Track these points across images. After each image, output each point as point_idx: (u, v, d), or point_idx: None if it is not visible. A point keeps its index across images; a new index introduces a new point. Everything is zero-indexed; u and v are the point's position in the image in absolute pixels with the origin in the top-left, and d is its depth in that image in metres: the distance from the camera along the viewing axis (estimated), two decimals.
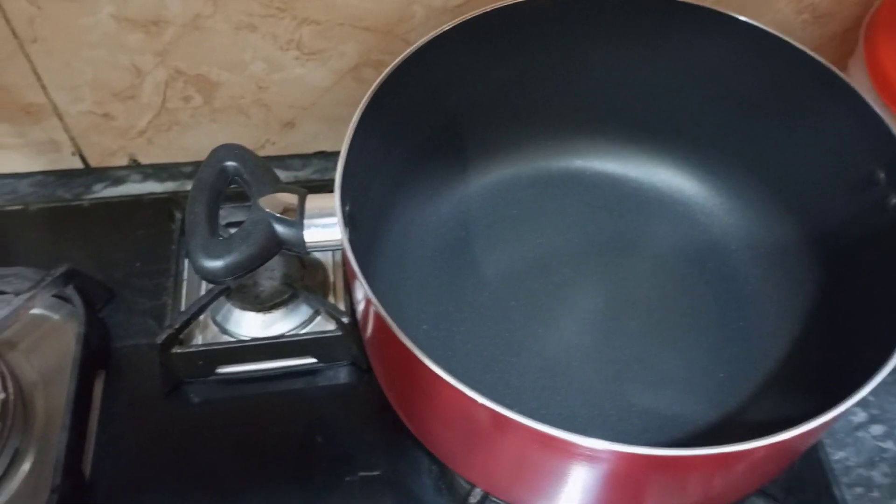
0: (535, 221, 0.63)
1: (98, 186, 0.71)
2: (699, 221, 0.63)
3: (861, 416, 0.59)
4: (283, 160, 0.73)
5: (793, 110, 0.56)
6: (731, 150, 0.61)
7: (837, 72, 0.52)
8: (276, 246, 0.46)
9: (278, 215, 0.45)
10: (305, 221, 0.45)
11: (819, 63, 0.52)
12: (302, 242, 0.46)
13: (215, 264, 0.44)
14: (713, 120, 0.60)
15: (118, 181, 0.72)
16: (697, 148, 0.63)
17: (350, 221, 0.46)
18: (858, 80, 0.63)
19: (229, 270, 0.44)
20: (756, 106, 0.58)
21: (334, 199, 0.45)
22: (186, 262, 0.64)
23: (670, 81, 0.60)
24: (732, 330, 0.58)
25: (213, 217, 0.46)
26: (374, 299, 0.41)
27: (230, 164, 0.48)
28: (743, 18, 0.54)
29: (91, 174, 0.72)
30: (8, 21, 0.60)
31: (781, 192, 0.60)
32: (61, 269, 0.59)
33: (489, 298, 0.59)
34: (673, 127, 0.63)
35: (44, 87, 0.65)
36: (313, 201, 0.46)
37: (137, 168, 0.73)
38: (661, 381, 0.55)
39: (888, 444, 0.58)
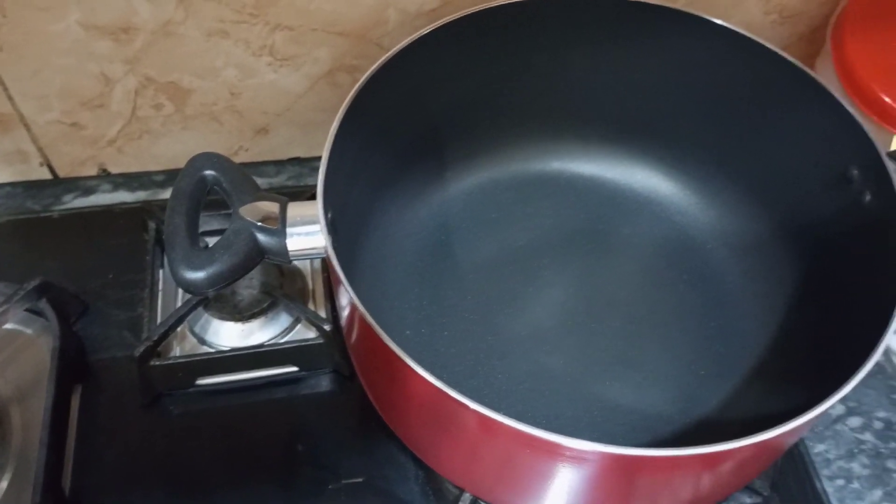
0: (515, 224, 0.63)
1: (68, 197, 0.70)
2: (676, 221, 0.64)
3: (839, 409, 0.60)
4: (256, 167, 0.72)
5: (765, 109, 0.57)
6: (706, 150, 0.62)
7: (808, 70, 0.53)
8: (258, 255, 0.45)
9: (260, 224, 0.45)
10: (288, 230, 0.45)
11: (789, 62, 0.53)
12: (285, 251, 0.45)
13: (197, 276, 0.43)
14: (688, 120, 0.61)
15: (88, 191, 0.71)
16: (673, 148, 0.63)
17: (332, 228, 0.46)
18: (826, 77, 0.63)
19: (211, 282, 0.44)
20: (730, 105, 0.59)
21: (316, 207, 0.45)
22: (161, 272, 0.64)
23: (645, 83, 0.60)
24: (714, 327, 0.58)
25: (193, 227, 0.45)
26: (359, 305, 0.41)
27: (209, 173, 0.47)
28: (713, 19, 0.55)
29: (60, 185, 0.71)
30: None
31: (757, 191, 0.60)
32: (34, 283, 0.58)
33: (471, 302, 0.59)
34: (648, 128, 0.63)
35: (10, 98, 0.63)
36: (294, 209, 0.46)
37: (108, 178, 0.71)
38: (645, 380, 0.56)
39: (866, 436, 0.59)
